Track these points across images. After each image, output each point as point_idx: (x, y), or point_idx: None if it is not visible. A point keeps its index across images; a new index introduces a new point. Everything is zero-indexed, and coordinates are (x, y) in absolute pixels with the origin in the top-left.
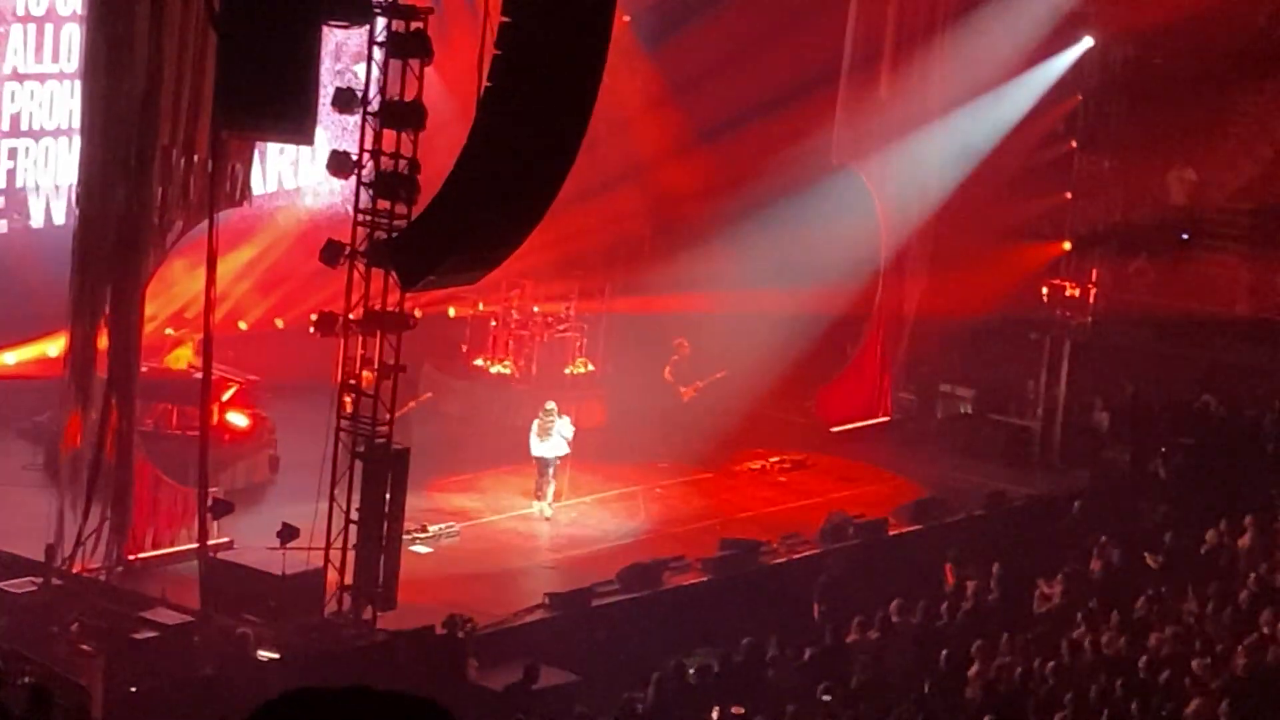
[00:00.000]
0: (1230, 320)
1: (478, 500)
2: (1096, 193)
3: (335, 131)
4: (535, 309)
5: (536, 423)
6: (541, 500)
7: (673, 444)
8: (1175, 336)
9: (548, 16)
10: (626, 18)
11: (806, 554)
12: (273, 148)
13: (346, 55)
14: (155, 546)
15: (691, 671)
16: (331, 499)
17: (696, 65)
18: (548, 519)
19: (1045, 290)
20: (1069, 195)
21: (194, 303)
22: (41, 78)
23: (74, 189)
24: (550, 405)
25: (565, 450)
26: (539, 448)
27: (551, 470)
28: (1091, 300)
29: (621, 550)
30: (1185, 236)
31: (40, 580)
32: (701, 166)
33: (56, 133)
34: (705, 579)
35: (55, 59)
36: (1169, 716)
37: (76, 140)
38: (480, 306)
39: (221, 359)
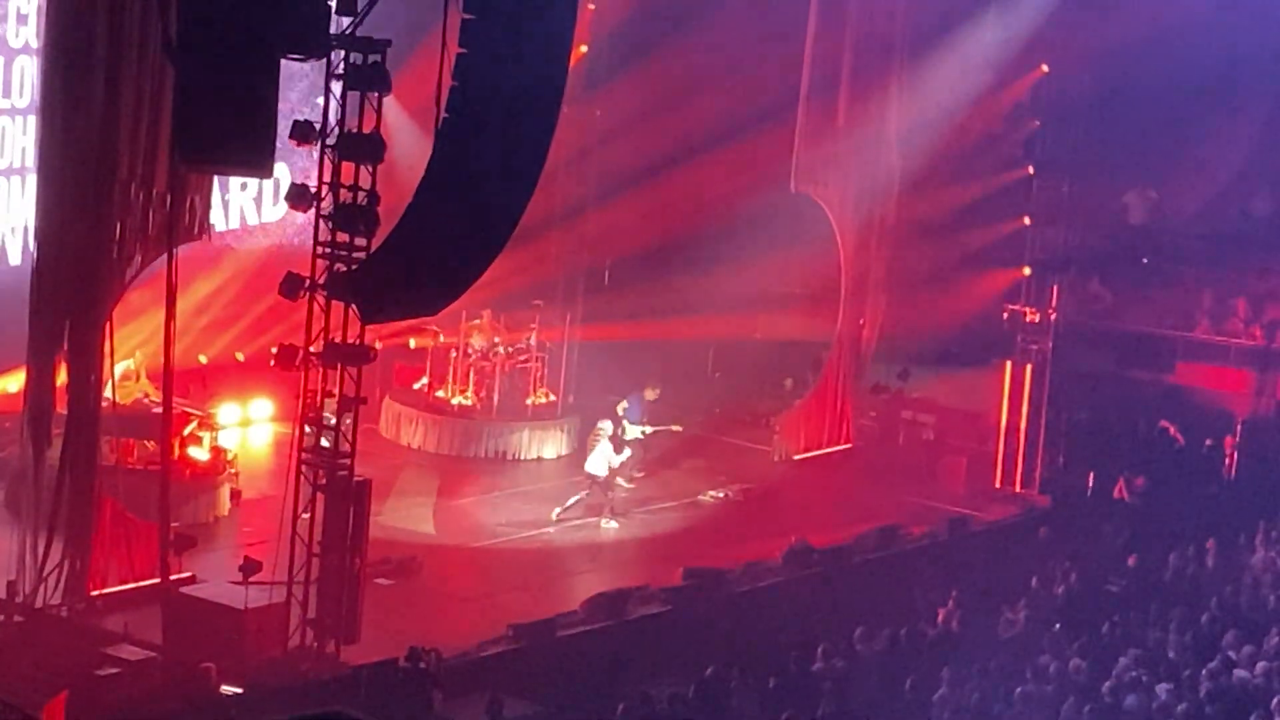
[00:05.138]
0: (1190, 343)
1: (440, 531)
2: (1055, 217)
3: (299, 165)
4: (496, 340)
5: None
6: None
7: (634, 473)
8: (1135, 359)
9: (505, 46)
10: (584, 47)
11: (770, 582)
12: (235, 183)
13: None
14: (117, 582)
15: (657, 702)
16: (294, 532)
17: (657, 94)
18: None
19: (1005, 315)
20: (1028, 220)
21: (153, 336)
22: None
23: (30, 226)
24: (602, 424)
25: (601, 471)
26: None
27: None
28: (1051, 325)
29: (585, 581)
30: (1144, 260)
31: (2, 617)
32: (661, 195)
33: (9, 171)
34: (669, 608)
35: (6, 94)
36: None
37: (30, 179)
38: (441, 338)
39: (181, 393)
